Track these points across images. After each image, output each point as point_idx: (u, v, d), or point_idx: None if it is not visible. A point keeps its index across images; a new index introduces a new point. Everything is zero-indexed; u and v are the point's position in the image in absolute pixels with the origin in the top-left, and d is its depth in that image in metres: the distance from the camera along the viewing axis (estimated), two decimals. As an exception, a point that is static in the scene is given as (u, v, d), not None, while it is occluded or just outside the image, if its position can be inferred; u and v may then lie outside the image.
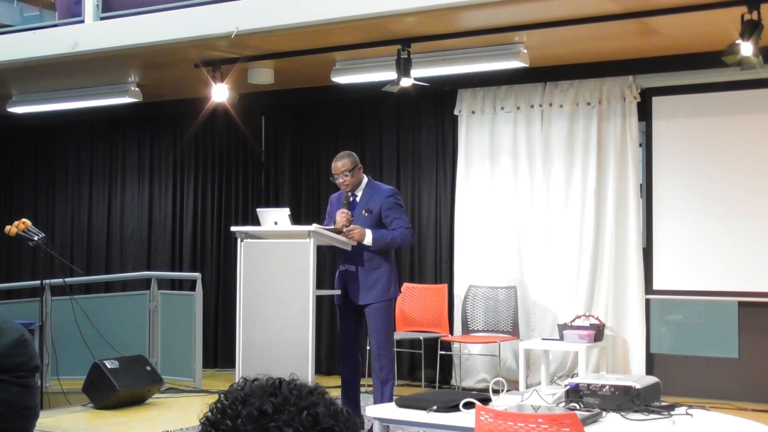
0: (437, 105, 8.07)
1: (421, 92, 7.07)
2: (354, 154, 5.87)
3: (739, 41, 5.54)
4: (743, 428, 3.86)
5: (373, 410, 4.25)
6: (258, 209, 5.92)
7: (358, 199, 5.83)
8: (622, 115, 7.32)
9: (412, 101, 7.80)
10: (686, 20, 5.97)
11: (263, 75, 7.71)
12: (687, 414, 3.83)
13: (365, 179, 5.88)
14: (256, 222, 5.91)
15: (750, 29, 5.49)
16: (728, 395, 6.90)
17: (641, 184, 7.34)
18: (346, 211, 5.76)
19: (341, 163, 5.77)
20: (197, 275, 7.97)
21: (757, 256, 6.87)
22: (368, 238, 5.66)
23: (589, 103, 7.42)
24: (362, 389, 6.20)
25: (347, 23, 6.13)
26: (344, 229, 5.65)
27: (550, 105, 7.56)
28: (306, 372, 5.42)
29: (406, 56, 6.45)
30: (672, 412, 3.82)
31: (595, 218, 7.34)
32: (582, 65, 7.37)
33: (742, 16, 5.53)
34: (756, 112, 6.99)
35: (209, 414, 1.26)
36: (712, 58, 6.07)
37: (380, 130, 8.37)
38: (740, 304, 6.98)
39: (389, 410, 4.16)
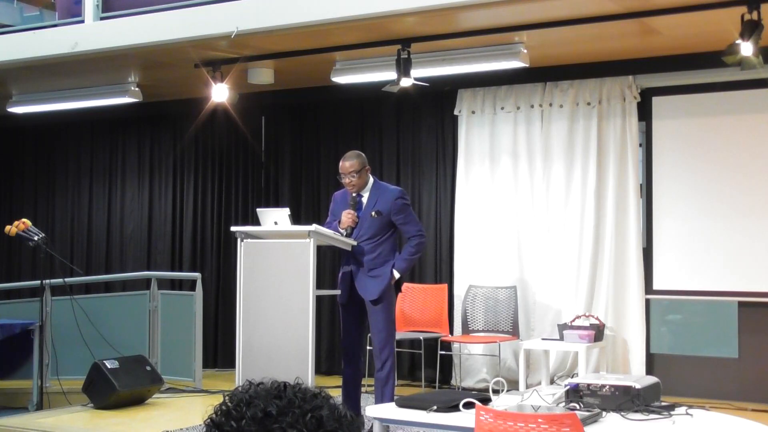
0: (437, 105, 8.07)
1: (421, 92, 7.07)
2: (363, 154, 5.82)
3: (739, 41, 5.54)
4: (743, 428, 3.86)
5: (373, 410, 4.25)
6: (258, 209, 5.91)
7: (364, 200, 5.81)
8: (622, 115, 7.32)
9: (412, 101, 7.80)
10: (686, 20, 5.97)
11: (263, 75, 7.70)
12: (687, 414, 3.83)
13: (371, 180, 5.86)
14: (256, 222, 5.90)
15: (750, 29, 5.49)
16: (728, 395, 6.89)
17: (641, 184, 7.34)
18: (352, 212, 5.74)
19: (349, 164, 5.73)
20: (197, 275, 7.97)
21: (757, 256, 6.87)
22: (397, 275, 5.79)
23: (589, 103, 7.42)
24: (363, 389, 6.21)
25: (347, 23, 6.13)
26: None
27: (550, 105, 7.56)
28: (306, 372, 5.42)
29: (406, 56, 6.45)
30: (672, 412, 3.82)
31: (595, 218, 7.34)
32: (582, 65, 7.37)
33: (742, 16, 5.53)
34: (756, 112, 6.99)
35: (213, 415, 1.26)
36: (712, 58, 6.06)
37: (380, 130, 8.37)
38: (740, 304, 6.98)
39: (389, 410, 4.17)
